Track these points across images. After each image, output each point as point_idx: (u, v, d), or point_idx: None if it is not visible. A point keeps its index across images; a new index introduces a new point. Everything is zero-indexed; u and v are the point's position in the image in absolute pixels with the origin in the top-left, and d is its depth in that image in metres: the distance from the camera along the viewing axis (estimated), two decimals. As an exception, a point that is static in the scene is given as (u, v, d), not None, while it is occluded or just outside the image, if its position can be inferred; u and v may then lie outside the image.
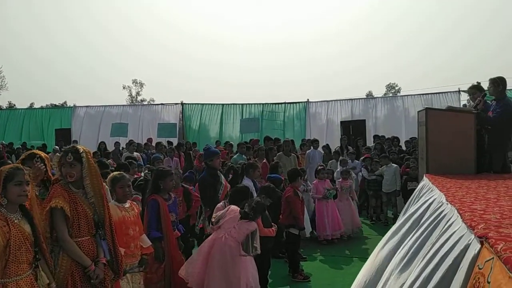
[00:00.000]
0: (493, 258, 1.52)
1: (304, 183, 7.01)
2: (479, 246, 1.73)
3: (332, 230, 7.20)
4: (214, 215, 4.20)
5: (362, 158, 9.97)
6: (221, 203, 4.54)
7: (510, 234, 1.74)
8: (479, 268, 1.61)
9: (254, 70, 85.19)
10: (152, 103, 36.39)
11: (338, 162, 8.96)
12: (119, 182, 3.64)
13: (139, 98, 53.62)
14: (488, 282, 1.47)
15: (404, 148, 11.68)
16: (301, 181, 6.18)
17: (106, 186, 3.80)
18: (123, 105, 18.91)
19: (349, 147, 11.30)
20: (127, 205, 3.61)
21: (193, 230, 6.07)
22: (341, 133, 14.43)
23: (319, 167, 7.62)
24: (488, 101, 5.67)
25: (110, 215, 3.05)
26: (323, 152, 10.43)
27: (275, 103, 16.41)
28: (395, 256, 2.84)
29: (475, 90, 5.90)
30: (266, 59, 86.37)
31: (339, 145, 11.73)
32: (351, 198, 7.96)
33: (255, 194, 5.06)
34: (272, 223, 4.75)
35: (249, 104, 16.56)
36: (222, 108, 16.61)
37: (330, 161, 9.63)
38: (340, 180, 7.92)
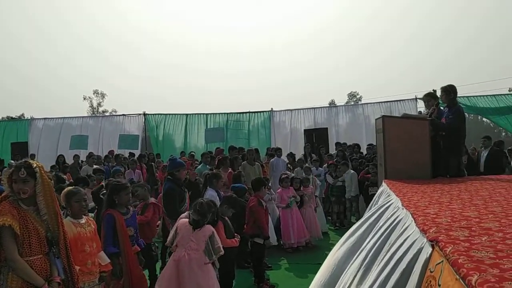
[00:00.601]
0: (442, 261, 1.56)
1: (268, 191, 7.02)
2: (430, 249, 1.77)
3: (297, 237, 7.24)
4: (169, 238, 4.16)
5: (325, 165, 10.12)
6: (185, 213, 4.47)
7: (458, 237, 1.80)
8: (431, 271, 1.65)
9: (216, 75, 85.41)
10: (114, 114, 35.56)
11: (303, 170, 9.05)
12: (74, 196, 3.50)
13: (100, 109, 52.38)
14: (439, 285, 1.50)
15: (365, 153, 11.97)
16: (265, 190, 6.17)
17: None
18: (83, 117, 18.33)
19: (313, 154, 11.45)
20: (83, 220, 3.46)
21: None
22: (304, 141, 14.61)
23: (283, 176, 7.63)
24: (442, 108, 5.92)
25: (65, 232, 2.92)
26: (287, 160, 10.51)
27: (240, 112, 16.37)
28: (352, 260, 2.88)
29: (430, 97, 6.14)
30: (229, 63, 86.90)
31: (303, 153, 11.87)
32: (313, 205, 8.01)
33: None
34: (235, 233, 4.72)
35: (213, 113, 16.45)
36: (186, 118, 16.42)
37: (296, 169, 9.72)
38: (302, 188, 7.97)
